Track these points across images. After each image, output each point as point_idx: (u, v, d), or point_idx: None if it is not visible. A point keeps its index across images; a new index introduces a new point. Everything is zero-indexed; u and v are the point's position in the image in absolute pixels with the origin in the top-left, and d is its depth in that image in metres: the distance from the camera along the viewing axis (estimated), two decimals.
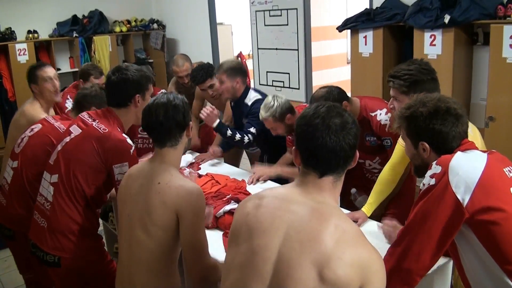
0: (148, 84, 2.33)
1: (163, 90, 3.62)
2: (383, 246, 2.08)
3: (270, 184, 3.02)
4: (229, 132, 3.16)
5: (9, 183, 2.60)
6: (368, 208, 2.44)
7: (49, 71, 3.15)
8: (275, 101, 2.93)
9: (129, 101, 2.27)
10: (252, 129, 3.22)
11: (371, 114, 2.68)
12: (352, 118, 1.36)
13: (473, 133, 2.08)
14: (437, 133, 1.62)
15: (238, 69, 3.36)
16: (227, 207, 2.51)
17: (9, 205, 2.57)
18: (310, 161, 1.35)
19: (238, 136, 3.18)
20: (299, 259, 1.21)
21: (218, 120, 3.13)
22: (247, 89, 3.43)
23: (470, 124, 2.05)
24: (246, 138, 3.20)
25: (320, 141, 1.30)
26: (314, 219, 1.26)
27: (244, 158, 4.33)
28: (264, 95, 3.36)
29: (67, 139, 2.23)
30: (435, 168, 1.55)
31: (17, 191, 2.56)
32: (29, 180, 2.53)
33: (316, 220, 1.26)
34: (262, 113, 2.95)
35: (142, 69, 2.35)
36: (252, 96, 3.40)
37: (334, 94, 2.60)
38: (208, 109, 3.12)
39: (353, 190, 2.83)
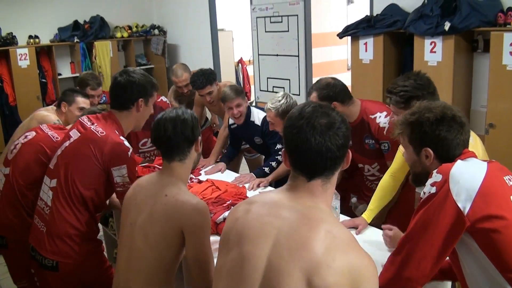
0: (153, 91, 2.33)
1: (162, 97, 3.62)
2: (383, 254, 2.07)
3: (271, 189, 3.02)
4: (267, 169, 3.27)
5: (1, 190, 2.57)
6: (368, 214, 2.43)
7: (87, 103, 3.27)
8: (284, 98, 3.01)
9: (131, 104, 2.27)
10: (279, 146, 3.31)
11: (370, 116, 2.68)
12: (341, 118, 1.30)
13: (474, 142, 2.08)
14: (442, 139, 1.62)
15: (241, 89, 3.50)
16: (227, 213, 2.50)
17: (1, 213, 2.54)
18: (298, 164, 1.30)
19: (274, 163, 3.29)
20: (288, 267, 1.18)
21: (252, 175, 3.25)
22: (248, 107, 3.50)
23: (471, 133, 2.06)
24: (279, 157, 3.30)
25: (305, 142, 1.25)
26: (303, 226, 1.22)
27: (244, 164, 4.33)
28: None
29: (67, 143, 2.23)
30: (436, 177, 1.55)
31: (9, 198, 2.53)
32: (20, 188, 2.50)
33: (306, 227, 1.22)
34: (268, 104, 3.03)
35: (149, 75, 2.36)
36: (256, 114, 3.48)
37: (325, 92, 2.63)
38: (240, 179, 3.24)
39: (354, 199, 2.83)
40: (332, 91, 2.64)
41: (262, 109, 3.48)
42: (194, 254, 1.76)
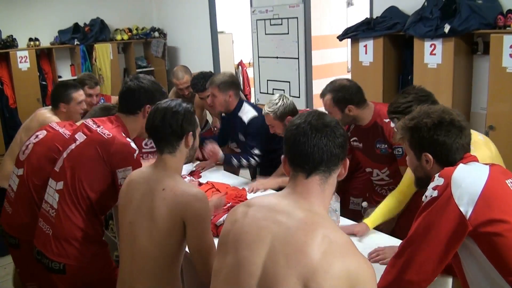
0: (161, 99, 2.33)
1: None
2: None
3: (271, 192, 3.01)
4: (234, 161, 3.23)
5: (15, 191, 2.58)
6: (372, 221, 2.38)
7: (82, 94, 3.31)
8: (281, 100, 2.98)
9: (138, 109, 2.29)
10: (256, 151, 3.25)
11: (385, 120, 2.64)
12: (335, 121, 1.37)
13: (485, 139, 2.10)
14: (441, 144, 1.62)
15: (231, 83, 3.34)
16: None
17: (15, 213, 2.56)
18: (296, 159, 1.34)
19: (244, 161, 3.25)
20: (284, 273, 1.18)
21: (221, 154, 3.20)
22: (240, 101, 3.42)
23: (480, 134, 2.08)
24: (252, 160, 3.26)
25: (303, 136, 1.31)
26: (300, 231, 1.23)
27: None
28: (259, 110, 3.37)
29: (73, 146, 2.24)
30: (438, 180, 1.55)
31: (23, 199, 2.54)
32: (35, 187, 2.51)
33: (302, 232, 1.22)
34: (265, 108, 2.99)
35: (159, 84, 2.39)
36: (246, 110, 3.38)
37: (341, 95, 2.62)
38: (208, 148, 3.15)
39: (365, 203, 2.80)
40: (348, 93, 2.62)
41: (259, 109, 3.42)
42: (196, 243, 1.76)
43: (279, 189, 3.01)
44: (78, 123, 2.75)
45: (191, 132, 1.89)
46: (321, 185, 1.33)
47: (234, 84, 3.38)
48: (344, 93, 2.61)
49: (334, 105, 2.64)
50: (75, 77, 6.53)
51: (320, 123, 1.33)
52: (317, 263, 1.15)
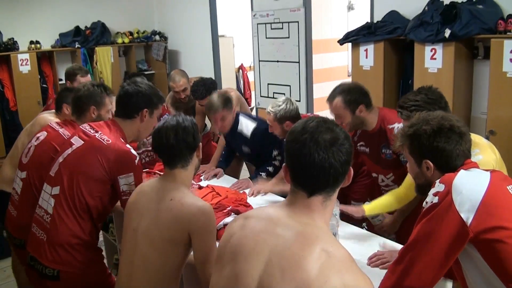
0: (159, 104, 2.35)
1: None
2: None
3: (271, 196, 3.01)
4: (264, 175, 3.26)
5: (19, 194, 2.58)
6: (370, 208, 2.40)
7: None
8: (284, 103, 2.99)
9: (136, 113, 2.28)
10: (275, 152, 3.29)
11: (389, 126, 2.67)
12: (344, 134, 1.28)
13: (489, 143, 2.11)
14: (441, 151, 1.62)
15: (228, 99, 3.32)
16: (227, 219, 2.50)
17: (20, 216, 2.55)
18: (299, 179, 1.27)
19: (271, 168, 3.29)
20: (279, 287, 1.16)
21: (249, 181, 3.27)
22: (236, 116, 3.42)
23: (483, 139, 2.09)
24: (276, 162, 3.31)
25: (308, 158, 1.22)
26: (297, 244, 1.19)
27: (244, 170, 4.33)
28: (255, 119, 3.43)
29: (69, 151, 2.22)
30: (438, 186, 1.54)
31: (27, 201, 2.53)
32: (38, 189, 2.50)
33: (299, 245, 1.18)
34: (269, 107, 3.04)
35: (156, 88, 2.38)
36: (245, 124, 3.39)
37: (352, 95, 2.64)
38: (237, 185, 3.23)
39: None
40: (359, 93, 2.66)
41: (254, 117, 3.50)
42: (201, 255, 1.78)
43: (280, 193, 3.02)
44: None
45: (200, 143, 1.95)
46: (324, 202, 1.28)
47: (231, 100, 3.35)
48: (355, 94, 2.64)
49: (346, 107, 2.64)
50: None
51: (327, 140, 1.23)
52: (313, 279, 1.12)
